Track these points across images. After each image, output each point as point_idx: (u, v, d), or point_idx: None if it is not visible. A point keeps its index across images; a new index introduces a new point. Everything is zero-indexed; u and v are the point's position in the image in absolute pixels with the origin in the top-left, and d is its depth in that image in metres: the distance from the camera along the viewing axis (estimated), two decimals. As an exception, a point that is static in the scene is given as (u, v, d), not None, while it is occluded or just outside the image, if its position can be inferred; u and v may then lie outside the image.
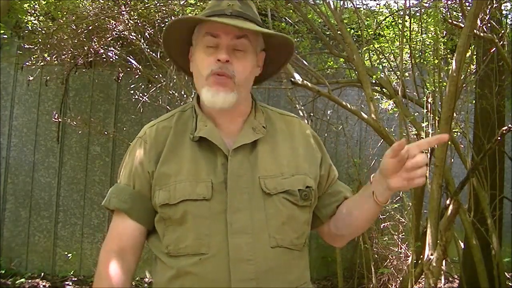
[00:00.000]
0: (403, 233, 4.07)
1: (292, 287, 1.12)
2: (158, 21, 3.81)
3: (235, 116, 1.19)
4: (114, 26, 3.73)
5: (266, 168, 1.14)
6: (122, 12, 3.61)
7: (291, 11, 3.55)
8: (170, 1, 3.58)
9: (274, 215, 1.10)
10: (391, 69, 4.00)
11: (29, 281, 4.26)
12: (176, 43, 1.23)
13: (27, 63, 4.12)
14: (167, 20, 3.81)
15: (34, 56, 4.05)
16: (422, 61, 3.72)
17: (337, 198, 1.24)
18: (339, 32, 3.31)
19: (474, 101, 3.74)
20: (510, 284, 3.67)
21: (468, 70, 3.47)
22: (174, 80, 3.88)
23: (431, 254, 2.47)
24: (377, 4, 4.18)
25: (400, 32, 3.34)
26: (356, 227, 1.21)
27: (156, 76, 4.01)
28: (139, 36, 3.77)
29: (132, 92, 4.30)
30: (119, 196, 1.16)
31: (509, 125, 2.72)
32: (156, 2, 3.64)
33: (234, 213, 1.08)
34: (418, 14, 3.67)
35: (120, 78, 4.38)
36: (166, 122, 1.22)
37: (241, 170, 1.12)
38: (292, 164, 1.16)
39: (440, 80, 3.22)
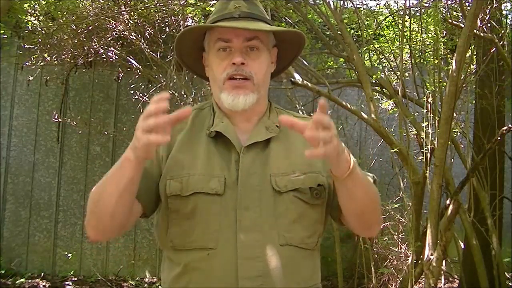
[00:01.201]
0: (403, 233, 4.07)
1: (299, 287, 1.11)
2: (158, 21, 3.81)
3: (252, 115, 1.20)
4: (114, 26, 3.74)
5: (277, 166, 1.13)
6: (122, 12, 3.61)
7: (291, 11, 3.55)
8: (170, 1, 3.58)
9: (284, 213, 1.10)
10: (391, 69, 4.00)
11: (29, 281, 4.26)
12: (189, 50, 1.24)
13: (27, 63, 4.12)
14: (167, 20, 3.82)
15: (34, 56, 4.05)
16: (422, 61, 3.72)
17: None
18: (339, 32, 3.31)
19: (474, 101, 3.74)
20: (510, 284, 3.66)
21: (468, 70, 3.46)
22: (174, 80, 3.88)
23: (431, 254, 2.47)
24: (377, 4, 4.18)
25: (400, 32, 3.34)
26: (345, 209, 1.13)
27: (156, 76, 4.01)
28: (139, 36, 3.77)
29: (132, 92, 4.30)
30: None
31: (509, 125, 2.72)
32: (156, 2, 3.64)
33: (243, 210, 1.08)
34: (418, 14, 3.67)
35: (120, 78, 4.38)
36: None
37: (252, 167, 1.12)
38: (304, 163, 1.15)
39: (440, 80, 3.22)
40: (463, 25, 2.61)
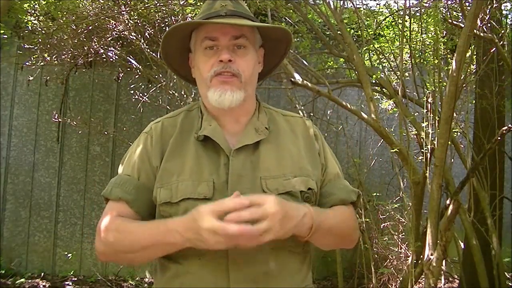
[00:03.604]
0: (403, 233, 4.07)
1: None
2: (158, 21, 3.81)
3: (240, 116, 1.19)
4: (114, 26, 3.73)
5: (268, 169, 1.13)
6: (122, 12, 3.61)
7: (291, 11, 3.55)
8: (170, 1, 3.58)
9: None
10: (391, 69, 4.00)
11: (29, 281, 4.26)
12: (175, 52, 1.24)
13: (27, 63, 4.12)
14: (167, 20, 3.81)
15: (34, 56, 4.05)
16: (422, 61, 3.72)
17: (327, 200, 1.20)
18: (339, 32, 3.31)
19: (474, 101, 3.74)
20: (510, 284, 3.66)
21: (468, 70, 3.46)
22: (174, 80, 3.88)
23: (431, 254, 2.47)
24: (377, 4, 4.18)
25: (400, 32, 3.34)
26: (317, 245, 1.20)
27: (156, 76, 4.01)
28: (139, 36, 3.77)
29: (132, 92, 4.30)
30: (123, 187, 1.14)
31: (509, 125, 2.71)
32: (156, 2, 3.64)
33: None
34: (418, 14, 3.67)
35: (120, 78, 4.38)
36: (172, 120, 1.22)
37: (242, 170, 1.11)
38: (295, 165, 1.15)
39: (440, 80, 3.22)
40: (463, 25, 2.60)
